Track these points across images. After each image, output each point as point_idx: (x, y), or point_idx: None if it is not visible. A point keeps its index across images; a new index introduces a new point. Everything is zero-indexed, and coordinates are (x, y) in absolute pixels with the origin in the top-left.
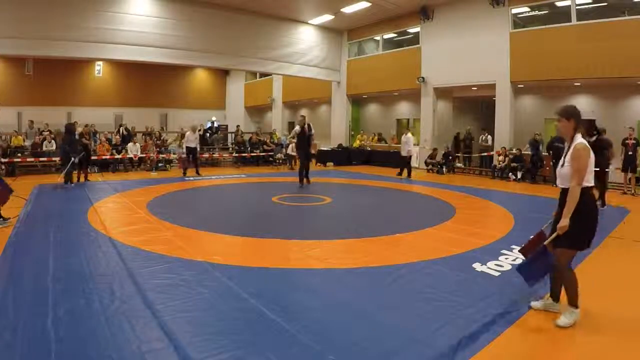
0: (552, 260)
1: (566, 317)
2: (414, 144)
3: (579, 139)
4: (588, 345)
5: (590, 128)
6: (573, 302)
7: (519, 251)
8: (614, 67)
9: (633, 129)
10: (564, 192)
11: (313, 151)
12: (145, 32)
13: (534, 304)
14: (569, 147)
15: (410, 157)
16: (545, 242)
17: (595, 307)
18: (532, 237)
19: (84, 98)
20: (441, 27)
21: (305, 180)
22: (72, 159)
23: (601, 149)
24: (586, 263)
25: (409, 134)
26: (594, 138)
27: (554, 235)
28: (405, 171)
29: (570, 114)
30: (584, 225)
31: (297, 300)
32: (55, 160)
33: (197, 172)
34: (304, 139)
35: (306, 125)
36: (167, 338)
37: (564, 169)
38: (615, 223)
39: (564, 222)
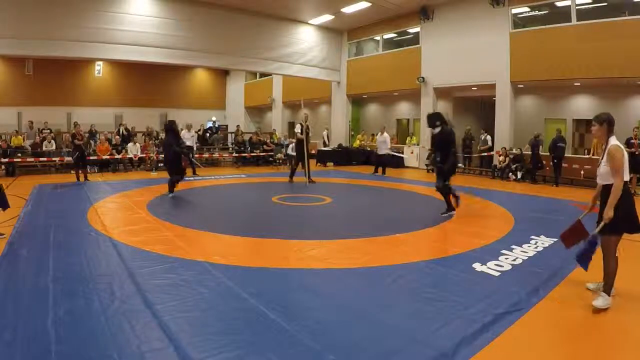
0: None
1: (603, 300)
2: (415, 144)
3: (613, 141)
4: (587, 345)
5: (433, 120)
6: (607, 290)
7: (560, 236)
8: (614, 67)
9: (638, 129)
10: (604, 187)
11: (313, 151)
12: (145, 32)
13: (589, 285)
14: (605, 150)
15: (384, 155)
16: (595, 231)
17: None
18: (571, 226)
19: (84, 98)
20: (441, 27)
21: (307, 179)
22: (184, 161)
23: (446, 142)
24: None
25: (385, 134)
26: (437, 130)
27: (602, 224)
28: (380, 169)
29: (603, 119)
30: (621, 213)
31: (297, 300)
32: (54, 160)
33: (194, 172)
34: (307, 137)
35: (306, 124)
36: (167, 338)
37: (601, 168)
38: None
39: (610, 212)
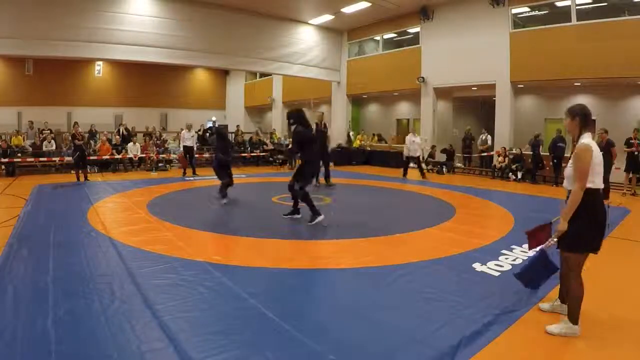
0: (551, 262)
1: (558, 327)
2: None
3: (584, 139)
4: (587, 345)
5: (288, 118)
6: (571, 317)
7: (525, 232)
8: (614, 67)
9: (638, 130)
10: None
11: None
12: (145, 32)
13: (542, 305)
14: (573, 148)
15: (410, 157)
16: (544, 246)
17: (595, 308)
18: (539, 225)
19: (84, 98)
20: (441, 27)
21: (319, 180)
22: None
23: (297, 142)
24: (587, 262)
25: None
26: (292, 128)
27: (553, 238)
28: (409, 171)
29: (575, 112)
30: (586, 227)
31: (297, 300)
32: (54, 160)
33: (194, 172)
34: (320, 135)
35: (322, 123)
36: (167, 338)
37: (567, 170)
38: (615, 223)
39: (563, 225)
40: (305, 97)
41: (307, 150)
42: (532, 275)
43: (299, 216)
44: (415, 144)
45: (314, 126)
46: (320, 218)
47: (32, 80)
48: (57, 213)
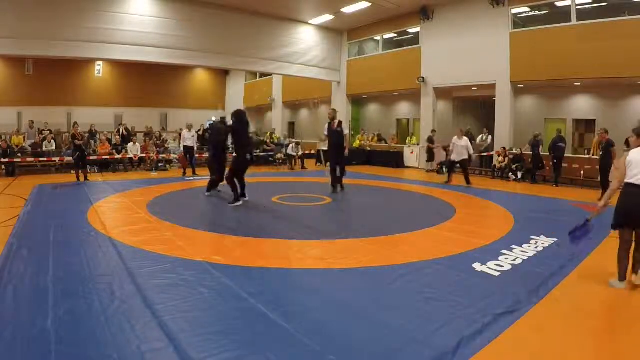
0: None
1: (613, 281)
2: (415, 144)
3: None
4: (587, 346)
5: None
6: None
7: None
8: (614, 67)
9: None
10: None
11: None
12: (145, 32)
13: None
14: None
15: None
16: (589, 217)
17: (594, 307)
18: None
19: (84, 98)
20: (441, 27)
21: (337, 185)
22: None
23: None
24: (587, 262)
25: (465, 137)
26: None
27: (597, 212)
28: (452, 176)
29: (638, 133)
30: (615, 209)
31: (297, 300)
32: (54, 160)
33: (194, 172)
34: (334, 136)
35: (336, 121)
36: (167, 338)
37: None
38: None
39: (601, 202)
40: (306, 97)
41: (239, 147)
42: (576, 235)
43: (240, 203)
44: (459, 147)
45: (325, 126)
46: (239, 204)
47: (32, 80)
48: (57, 213)
